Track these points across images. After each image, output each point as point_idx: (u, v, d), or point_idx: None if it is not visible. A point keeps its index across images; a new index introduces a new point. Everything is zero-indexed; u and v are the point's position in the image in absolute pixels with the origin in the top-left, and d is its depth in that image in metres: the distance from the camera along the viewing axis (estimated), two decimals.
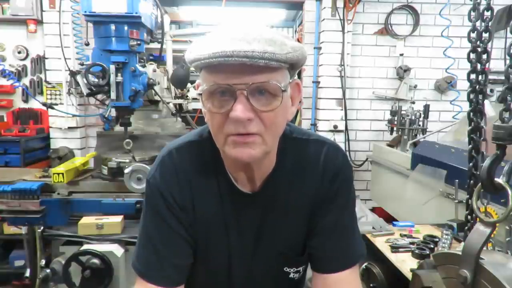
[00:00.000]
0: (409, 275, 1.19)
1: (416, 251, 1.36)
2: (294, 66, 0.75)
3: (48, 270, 1.80)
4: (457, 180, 1.64)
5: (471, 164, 1.22)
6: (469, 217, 1.25)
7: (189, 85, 2.79)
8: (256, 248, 0.91)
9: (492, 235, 0.76)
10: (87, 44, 2.47)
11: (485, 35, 1.13)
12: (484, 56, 1.14)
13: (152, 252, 0.85)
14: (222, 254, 0.91)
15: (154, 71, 2.60)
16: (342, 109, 3.42)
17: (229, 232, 0.89)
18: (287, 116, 0.79)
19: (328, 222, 0.88)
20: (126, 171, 1.92)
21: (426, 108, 2.75)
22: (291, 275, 0.94)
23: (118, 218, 1.89)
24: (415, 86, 3.52)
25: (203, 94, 0.73)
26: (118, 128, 2.49)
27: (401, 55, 3.47)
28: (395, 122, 2.90)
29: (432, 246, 1.42)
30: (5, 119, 3.34)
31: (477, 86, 1.17)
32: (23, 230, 2.01)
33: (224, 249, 0.90)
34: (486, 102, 1.29)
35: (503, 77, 0.92)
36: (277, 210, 0.88)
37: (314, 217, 0.89)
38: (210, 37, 0.71)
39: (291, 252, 0.92)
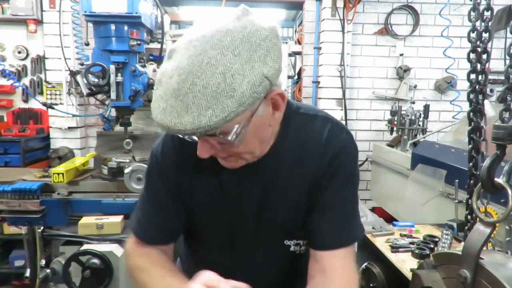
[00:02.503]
0: (409, 275, 1.19)
1: (416, 251, 1.36)
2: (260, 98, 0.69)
3: (48, 270, 1.80)
4: (457, 180, 1.64)
5: (471, 164, 1.22)
6: (469, 217, 1.25)
7: None
8: (258, 219, 0.92)
9: (492, 235, 0.76)
10: (87, 44, 2.47)
11: (485, 35, 1.13)
12: (484, 56, 1.15)
13: (144, 215, 0.95)
14: (224, 224, 0.93)
15: (154, 71, 2.59)
16: (342, 109, 3.42)
17: (230, 202, 0.90)
18: (266, 130, 0.78)
19: (325, 198, 0.88)
20: (126, 171, 1.92)
21: (426, 108, 2.75)
22: (292, 248, 0.95)
23: (118, 218, 1.89)
24: (415, 86, 3.52)
25: None
26: (118, 128, 2.49)
27: (401, 55, 3.47)
28: (395, 122, 2.90)
29: (432, 246, 1.42)
30: (5, 119, 3.33)
31: (477, 86, 1.17)
32: (23, 230, 2.01)
33: (225, 220, 0.92)
34: (486, 102, 1.29)
35: (503, 77, 0.92)
36: (278, 182, 0.89)
37: (314, 192, 0.89)
38: (155, 95, 0.70)
39: (291, 225, 0.92)
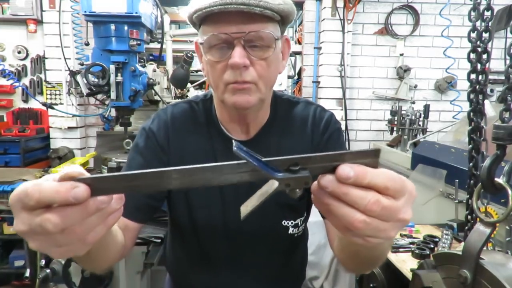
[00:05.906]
0: (409, 275, 1.19)
1: (416, 251, 1.36)
2: (284, 20, 0.81)
3: (48, 270, 1.79)
4: (457, 180, 1.64)
5: (471, 164, 1.22)
6: (469, 217, 1.25)
7: (189, 85, 2.79)
8: (251, 194, 0.91)
9: (492, 235, 0.76)
10: (87, 44, 2.47)
11: (485, 35, 1.13)
12: (484, 56, 1.14)
13: None
14: (216, 201, 0.92)
15: (154, 71, 2.60)
16: (342, 109, 3.42)
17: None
18: (279, 68, 0.87)
19: None
20: None
21: (426, 108, 2.75)
22: (290, 231, 0.95)
23: None
24: (415, 86, 3.52)
25: (203, 47, 0.79)
26: (118, 128, 2.49)
27: (401, 55, 3.47)
28: (395, 122, 2.90)
29: (432, 246, 1.42)
30: (5, 119, 3.33)
31: (477, 86, 1.16)
32: None
33: (217, 196, 0.92)
34: (486, 102, 1.29)
35: (503, 77, 0.92)
36: (271, 156, 0.90)
37: None
38: None
39: (286, 199, 0.91)
